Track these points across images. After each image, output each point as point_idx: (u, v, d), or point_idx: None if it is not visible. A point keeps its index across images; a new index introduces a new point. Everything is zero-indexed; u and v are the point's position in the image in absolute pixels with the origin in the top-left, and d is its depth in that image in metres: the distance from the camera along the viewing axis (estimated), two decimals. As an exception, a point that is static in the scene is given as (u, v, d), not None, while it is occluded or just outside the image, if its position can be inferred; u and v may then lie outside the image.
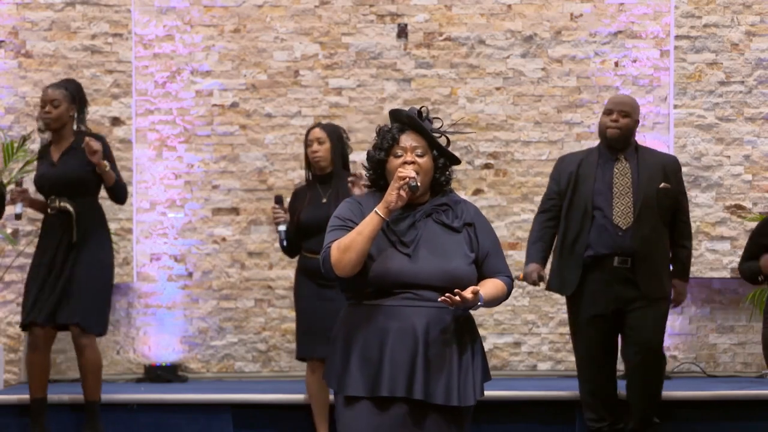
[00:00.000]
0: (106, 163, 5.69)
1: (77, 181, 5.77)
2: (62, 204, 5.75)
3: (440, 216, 3.53)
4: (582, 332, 5.54)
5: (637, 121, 5.57)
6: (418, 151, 3.51)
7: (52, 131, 5.83)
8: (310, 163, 5.82)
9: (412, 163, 3.49)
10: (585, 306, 5.48)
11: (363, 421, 3.39)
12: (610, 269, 5.43)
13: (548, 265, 5.70)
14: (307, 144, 5.78)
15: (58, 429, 5.98)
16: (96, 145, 5.61)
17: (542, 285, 5.70)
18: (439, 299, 3.35)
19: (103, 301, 5.82)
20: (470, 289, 3.37)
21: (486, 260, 3.57)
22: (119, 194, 5.85)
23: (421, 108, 3.58)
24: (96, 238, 5.82)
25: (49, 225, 5.81)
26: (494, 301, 3.52)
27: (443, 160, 3.57)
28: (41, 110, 5.80)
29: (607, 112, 5.54)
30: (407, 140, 3.52)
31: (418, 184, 3.43)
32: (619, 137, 5.50)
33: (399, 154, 3.52)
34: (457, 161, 3.62)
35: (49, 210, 5.79)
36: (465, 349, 3.46)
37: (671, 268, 5.60)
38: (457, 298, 3.33)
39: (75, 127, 5.88)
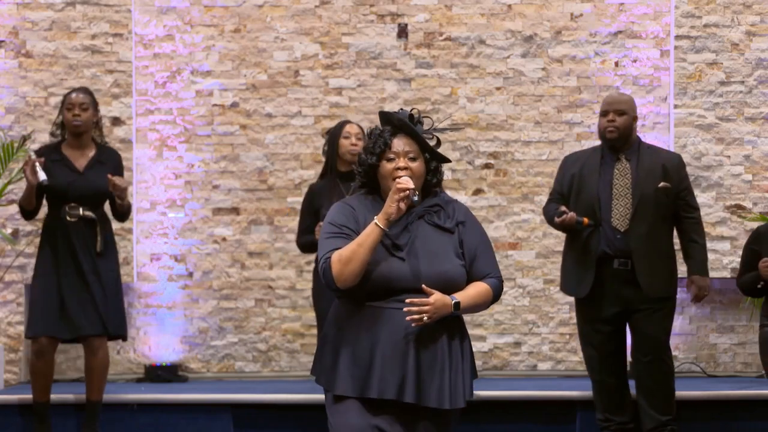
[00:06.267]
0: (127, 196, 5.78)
1: (106, 194, 5.77)
2: (86, 213, 5.72)
3: (432, 217, 3.53)
4: (591, 333, 5.53)
5: (635, 118, 5.52)
6: (411, 155, 3.50)
7: (77, 135, 5.78)
8: (334, 158, 5.81)
9: (405, 168, 3.47)
10: (594, 308, 5.47)
11: (352, 421, 3.39)
12: (612, 271, 5.42)
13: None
14: (344, 136, 5.78)
15: (59, 429, 5.98)
16: (125, 183, 5.66)
17: (586, 221, 5.39)
18: (407, 316, 3.35)
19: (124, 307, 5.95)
20: (432, 297, 3.36)
21: (474, 262, 3.53)
22: (126, 215, 5.91)
23: (412, 110, 3.57)
24: (114, 246, 5.89)
25: (64, 232, 5.71)
26: (476, 307, 3.48)
27: (435, 162, 3.56)
28: (68, 113, 5.74)
29: (603, 113, 5.50)
30: (399, 144, 3.50)
31: (417, 197, 3.42)
32: (618, 137, 5.48)
33: (391, 158, 3.50)
34: (448, 160, 3.62)
35: (68, 217, 5.70)
36: (455, 350, 3.46)
37: (688, 266, 5.56)
38: (415, 309, 3.33)
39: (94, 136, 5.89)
